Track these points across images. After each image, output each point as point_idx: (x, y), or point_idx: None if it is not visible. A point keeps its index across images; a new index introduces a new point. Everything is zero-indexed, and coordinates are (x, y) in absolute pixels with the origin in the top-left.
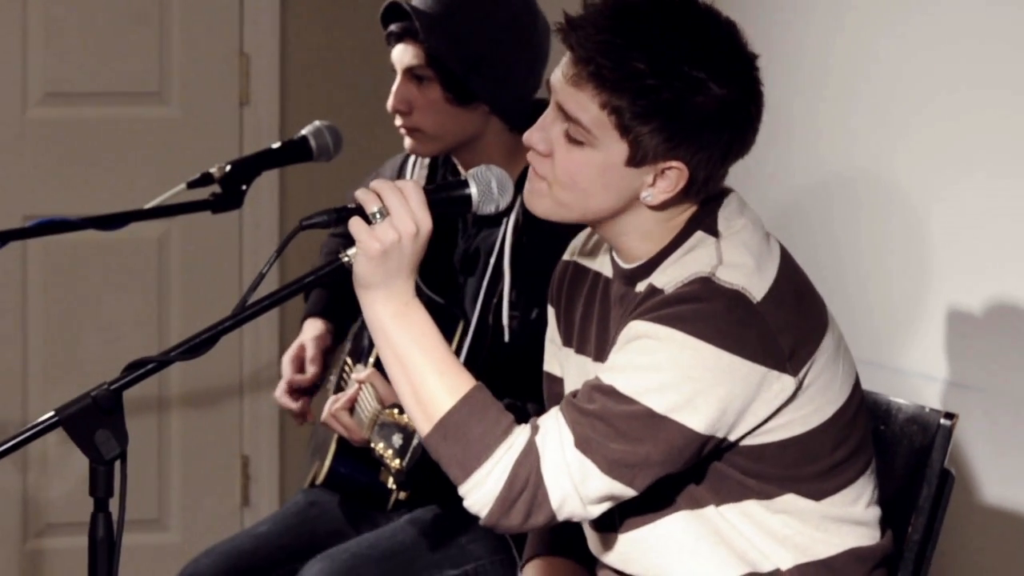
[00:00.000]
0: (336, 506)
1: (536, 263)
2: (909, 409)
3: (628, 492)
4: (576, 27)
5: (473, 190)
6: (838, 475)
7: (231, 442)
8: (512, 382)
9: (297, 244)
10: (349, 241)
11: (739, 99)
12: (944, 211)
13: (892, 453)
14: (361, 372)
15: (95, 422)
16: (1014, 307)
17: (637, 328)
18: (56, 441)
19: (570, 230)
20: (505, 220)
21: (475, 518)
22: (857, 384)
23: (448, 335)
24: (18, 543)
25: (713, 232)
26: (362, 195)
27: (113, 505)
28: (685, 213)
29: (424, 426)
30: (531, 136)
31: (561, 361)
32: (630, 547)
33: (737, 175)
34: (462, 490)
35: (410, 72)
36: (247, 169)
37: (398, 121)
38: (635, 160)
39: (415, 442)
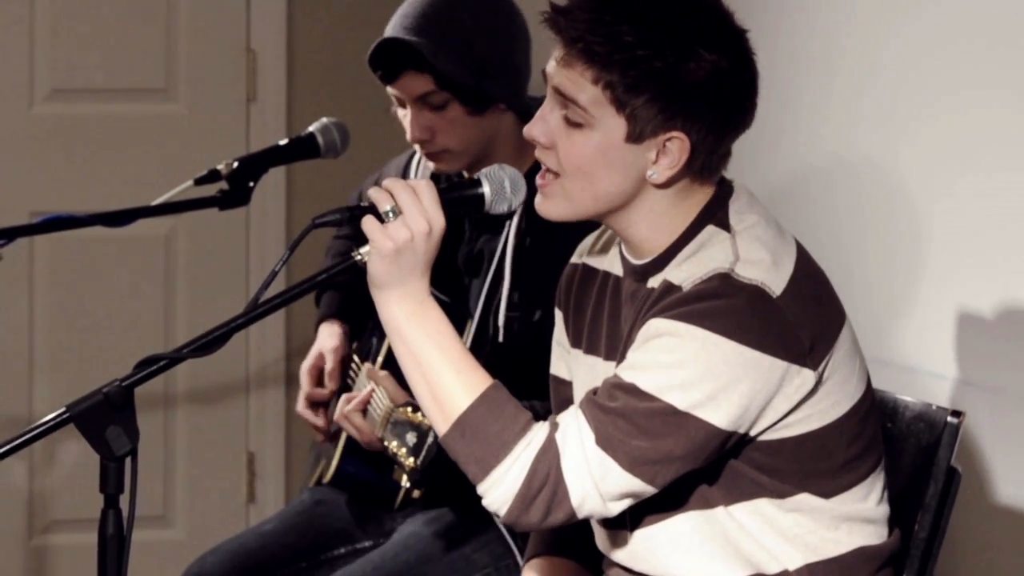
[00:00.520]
0: (342, 505)
1: (539, 265)
2: (916, 407)
3: (648, 489)
4: (563, 12)
5: (486, 189)
6: (850, 472)
7: (237, 439)
8: (512, 382)
9: (305, 242)
10: (355, 241)
11: (731, 67)
12: (953, 208)
13: (899, 451)
14: (375, 372)
15: (106, 418)
16: (1021, 305)
17: (658, 326)
18: (61, 437)
19: (573, 232)
20: (508, 223)
21: (479, 526)
22: (869, 380)
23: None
24: (24, 539)
25: (725, 226)
26: (375, 194)
27: (122, 501)
28: (694, 201)
29: (442, 425)
30: (531, 129)
31: (569, 364)
32: (639, 545)
33: (744, 170)
34: (481, 488)
35: (422, 100)
36: (254, 166)
37: (421, 149)
38: (634, 135)
39: (429, 440)
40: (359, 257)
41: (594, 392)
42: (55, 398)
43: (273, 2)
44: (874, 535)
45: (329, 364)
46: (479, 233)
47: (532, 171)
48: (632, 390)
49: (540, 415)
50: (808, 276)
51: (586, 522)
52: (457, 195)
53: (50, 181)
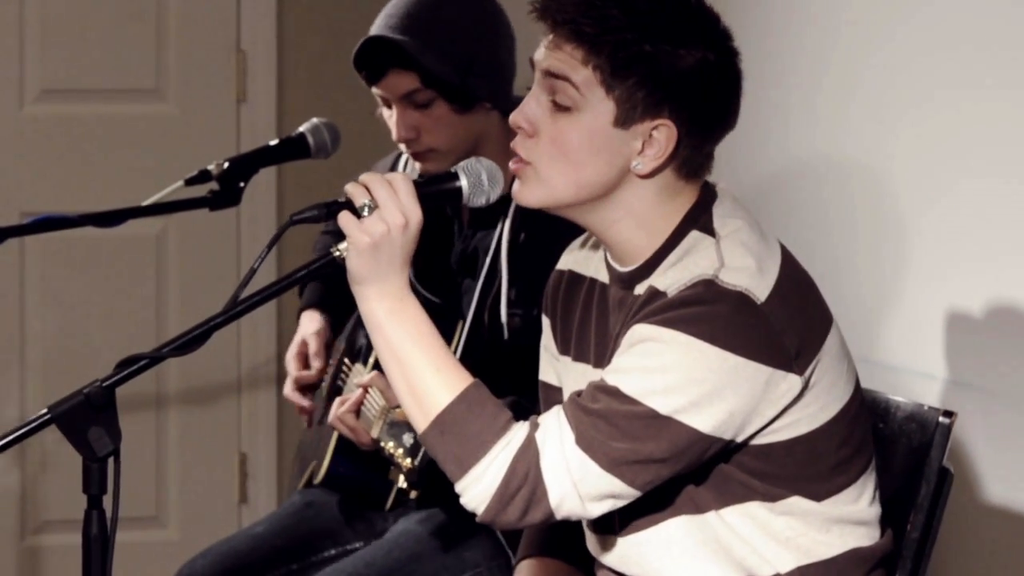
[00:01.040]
0: (333, 506)
1: (535, 261)
2: (908, 407)
3: (628, 491)
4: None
5: (463, 182)
6: (841, 474)
7: (229, 439)
8: (515, 380)
9: (293, 240)
10: (340, 237)
11: (719, 62)
12: (942, 208)
13: (891, 451)
14: (364, 376)
15: (88, 419)
16: (1013, 305)
17: (641, 331)
18: (53, 439)
19: (568, 228)
20: (502, 219)
21: (471, 525)
22: (858, 381)
23: (447, 335)
24: (15, 540)
25: (709, 231)
26: (351, 188)
27: (108, 502)
28: (678, 203)
29: (421, 422)
30: (516, 116)
31: (558, 370)
32: (629, 549)
33: (732, 171)
34: (459, 487)
35: (407, 99)
36: (245, 166)
37: (407, 148)
38: (622, 119)
39: None
40: (338, 253)
41: (578, 394)
42: (46, 398)
43: (263, 3)
44: (866, 536)
45: (313, 346)
46: (473, 231)
47: None
48: (615, 393)
49: (528, 410)
50: (793, 281)
51: (577, 523)
52: (434, 188)
53: (41, 181)
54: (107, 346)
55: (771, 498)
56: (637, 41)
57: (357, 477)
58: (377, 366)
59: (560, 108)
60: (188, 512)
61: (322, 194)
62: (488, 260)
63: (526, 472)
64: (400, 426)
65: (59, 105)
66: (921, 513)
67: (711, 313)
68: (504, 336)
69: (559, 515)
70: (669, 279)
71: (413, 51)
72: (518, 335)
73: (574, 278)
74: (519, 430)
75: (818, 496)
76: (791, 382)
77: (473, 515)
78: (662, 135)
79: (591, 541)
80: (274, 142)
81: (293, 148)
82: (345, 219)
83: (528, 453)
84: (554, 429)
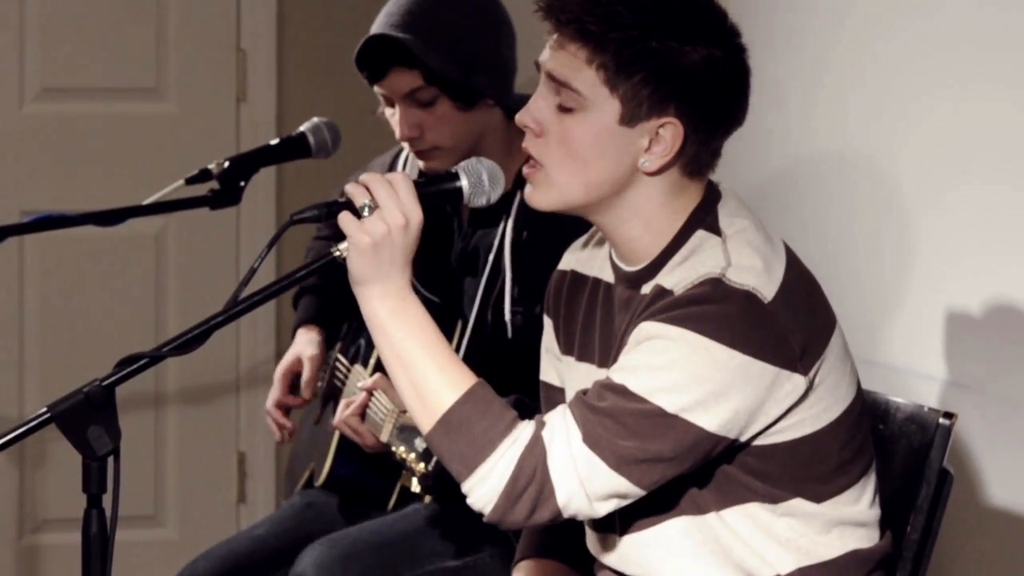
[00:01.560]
0: (333, 508)
1: (538, 259)
2: (908, 408)
3: (635, 490)
4: None
5: (464, 182)
6: (843, 475)
7: (227, 438)
8: (518, 379)
9: (292, 240)
10: (335, 241)
11: (725, 59)
12: (944, 210)
13: (891, 452)
14: (366, 379)
15: (88, 418)
16: (1013, 306)
17: (648, 329)
18: (52, 437)
19: (571, 226)
20: (504, 218)
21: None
22: (859, 383)
23: (447, 335)
24: (14, 539)
25: (715, 231)
26: (351, 189)
27: (107, 501)
28: (684, 201)
29: (426, 423)
30: (522, 116)
31: (560, 371)
32: (630, 549)
33: (733, 172)
34: (466, 487)
35: (410, 97)
36: (245, 165)
37: (411, 146)
38: (628, 117)
39: None
40: (338, 253)
41: (584, 393)
42: (45, 397)
43: (263, 2)
44: (866, 538)
45: (306, 373)
46: (473, 230)
47: (524, 167)
48: (621, 391)
49: (531, 408)
50: (799, 281)
51: (577, 524)
52: (435, 188)
53: (40, 180)
54: (106, 345)
55: (772, 499)
56: (642, 38)
57: (359, 478)
58: (378, 368)
59: (565, 110)
60: (186, 511)
61: (322, 193)
62: (491, 258)
63: (533, 470)
64: (411, 430)
65: (59, 104)
66: (921, 514)
67: (718, 312)
68: (508, 335)
69: (566, 514)
70: (676, 278)
71: (415, 49)
72: (521, 334)
73: (577, 278)
74: (525, 429)
75: (819, 497)
76: (796, 382)
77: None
78: (668, 133)
79: (592, 540)
80: (274, 141)
81: (293, 147)
82: (346, 219)
83: (535, 452)
84: (561, 427)
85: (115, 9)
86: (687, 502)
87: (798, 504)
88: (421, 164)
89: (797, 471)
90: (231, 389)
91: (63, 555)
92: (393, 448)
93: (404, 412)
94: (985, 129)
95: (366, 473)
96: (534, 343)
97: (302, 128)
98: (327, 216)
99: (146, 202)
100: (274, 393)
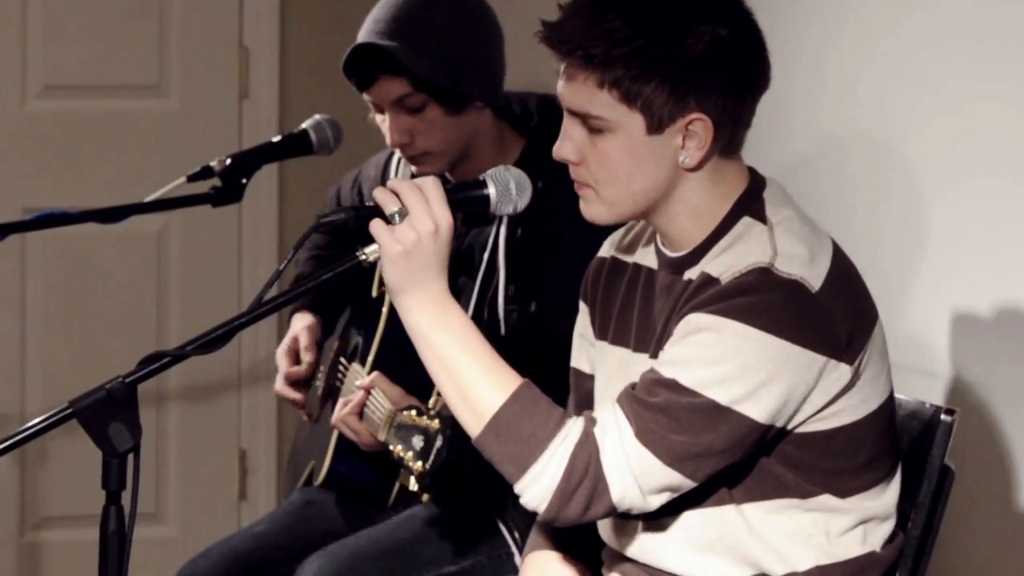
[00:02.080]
0: (333, 505)
1: (532, 256)
2: (909, 404)
3: (688, 483)
4: (555, 27)
5: (491, 190)
6: (873, 471)
7: (229, 436)
8: None
9: (290, 240)
10: (334, 235)
11: (731, 34)
12: (948, 206)
13: None
14: (364, 377)
15: (109, 415)
16: (1016, 302)
17: (698, 321)
18: (53, 435)
19: (566, 224)
20: (498, 216)
21: (476, 515)
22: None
23: None
24: (15, 536)
25: (761, 218)
26: (380, 195)
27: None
28: (728, 186)
29: (475, 427)
30: (559, 150)
31: (591, 356)
32: (649, 537)
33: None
34: (518, 487)
35: (399, 104)
36: (247, 163)
37: (402, 152)
38: (654, 126)
39: (437, 443)
40: (364, 256)
41: (632, 387)
42: (47, 394)
43: None
44: (886, 538)
45: (304, 340)
46: (467, 228)
47: (518, 164)
48: (673, 385)
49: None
50: (844, 272)
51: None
52: (463, 195)
53: (43, 177)
54: (108, 342)
55: (802, 494)
56: (645, 47)
57: (359, 476)
58: (376, 366)
59: (595, 131)
60: (187, 509)
61: (324, 191)
62: (486, 257)
63: (586, 467)
64: (408, 429)
65: (61, 101)
66: (922, 511)
67: (767, 302)
68: (501, 332)
69: (621, 508)
70: (722, 265)
71: (402, 56)
72: (516, 331)
73: (617, 265)
74: (575, 425)
75: (846, 493)
76: (842, 371)
77: (485, 507)
78: (698, 127)
79: (607, 528)
80: (276, 138)
81: (295, 144)
82: (377, 227)
83: (586, 448)
84: (612, 423)
85: (117, 6)
86: (714, 493)
87: (825, 500)
88: (413, 168)
89: (830, 462)
90: (232, 386)
91: (64, 552)
92: (391, 447)
93: (401, 411)
94: (991, 125)
95: (365, 471)
96: (531, 340)
97: (304, 125)
98: (355, 220)
99: (148, 199)
100: (280, 372)
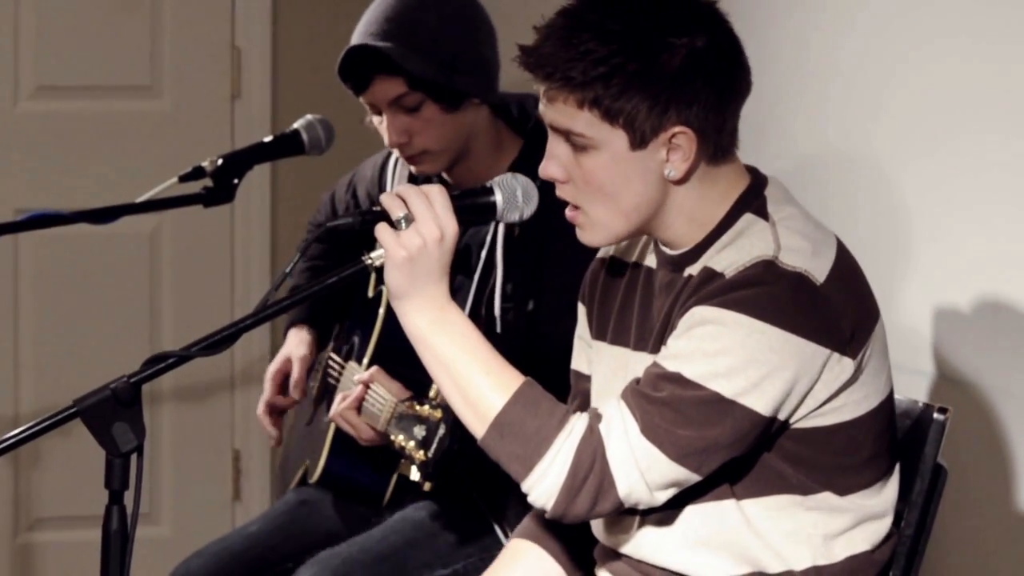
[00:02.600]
0: (328, 505)
1: (529, 255)
2: (902, 403)
3: (694, 478)
4: (532, 52)
5: (498, 197)
6: (872, 469)
7: (222, 436)
8: None
9: (290, 241)
10: (330, 244)
11: (707, 44)
12: (937, 205)
13: None
14: (363, 373)
15: (113, 414)
16: (1006, 301)
17: (702, 314)
18: (47, 435)
19: (562, 225)
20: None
21: (467, 515)
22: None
23: None
24: (8, 537)
25: (763, 215)
26: (387, 201)
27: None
28: (723, 187)
29: (479, 428)
30: (545, 169)
31: (590, 357)
32: (646, 533)
33: None
34: (525, 486)
35: (396, 104)
36: (239, 163)
37: (400, 152)
38: (637, 141)
39: (440, 432)
40: (369, 260)
41: (636, 382)
42: (40, 395)
43: None
44: (882, 538)
45: (296, 373)
46: (464, 228)
47: (515, 164)
48: (677, 379)
49: None
50: (848, 267)
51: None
52: (469, 202)
53: (35, 178)
54: (101, 342)
55: (803, 491)
56: (621, 65)
57: (354, 475)
58: (373, 363)
59: (579, 148)
60: (181, 509)
61: (316, 191)
62: (483, 255)
63: (591, 463)
64: (410, 419)
65: (53, 101)
66: (915, 510)
67: (771, 294)
68: (498, 330)
69: (628, 504)
70: (726, 260)
71: (397, 56)
72: (512, 329)
73: (616, 264)
74: (579, 422)
75: (845, 491)
76: (845, 365)
77: (476, 506)
78: (682, 139)
79: (600, 526)
80: (268, 138)
81: (287, 145)
82: (383, 232)
83: (591, 443)
84: (617, 419)
85: (109, 6)
86: (715, 489)
87: (826, 498)
88: (412, 168)
89: (831, 459)
90: (226, 387)
91: (58, 553)
92: (392, 437)
93: (402, 402)
94: (980, 126)
95: (360, 470)
96: (527, 339)
97: (296, 125)
98: (361, 226)
99: (140, 200)
100: (264, 396)
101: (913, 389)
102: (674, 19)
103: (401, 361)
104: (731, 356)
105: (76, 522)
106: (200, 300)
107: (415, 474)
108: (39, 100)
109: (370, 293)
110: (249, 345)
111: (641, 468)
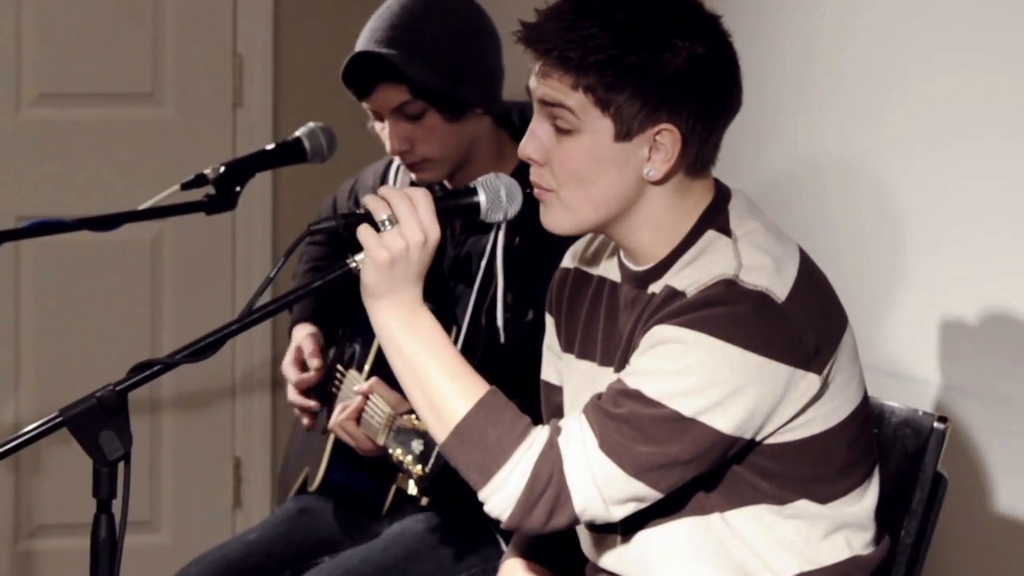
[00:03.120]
0: (327, 513)
1: (530, 264)
2: (902, 412)
3: (653, 494)
4: (534, 27)
5: (482, 198)
6: (848, 477)
7: (223, 444)
8: (511, 384)
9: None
10: (333, 247)
11: (708, 53)
12: (938, 213)
13: (885, 456)
14: (362, 384)
15: (100, 423)
16: (1007, 310)
17: (663, 332)
18: (47, 442)
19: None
20: (496, 224)
21: (469, 526)
22: (865, 385)
23: None
24: (10, 544)
25: (726, 232)
26: (371, 202)
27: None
28: (692, 201)
29: (440, 433)
30: (524, 148)
31: (560, 369)
32: (630, 550)
33: (725, 175)
34: (482, 495)
35: (399, 112)
36: (241, 170)
37: (402, 160)
38: (622, 133)
39: (438, 446)
40: (354, 264)
41: (598, 397)
42: (41, 403)
43: (260, 7)
44: (867, 543)
45: (308, 348)
46: (465, 236)
47: (515, 174)
48: (637, 396)
49: (531, 412)
50: (811, 280)
51: (569, 530)
52: (452, 203)
53: (37, 186)
54: (103, 350)
55: (780, 501)
56: (621, 56)
57: (354, 483)
58: (373, 373)
59: (562, 131)
60: (182, 517)
61: (318, 199)
62: (483, 264)
63: (549, 476)
64: (408, 432)
65: (55, 109)
66: (915, 519)
67: (733, 313)
68: (500, 340)
69: (584, 519)
70: (687, 279)
71: (400, 64)
72: (514, 339)
73: (580, 276)
74: (539, 435)
75: (825, 499)
76: (811, 381)
77: (478, 518)
78: (667, 139)
79: (587, 542)
80: (270, 146)
81: (289, 152)
82: (365, 233)
83: (550, 457)
84: (576, 433)
85: (111, 14)
86: (692, 503)
87: (804, 506)
88: (413, 176)
89: (805, 471)
90: (227, 394)
91: (58, 560)
92: (390, 451)
93: (401, 415)
94: (980, 133)
95: (360, 478)
96: (526, 348)
97: (298, 133)
98: (345, 228)
99: (142, 207)
100: (290, 382)
101: (913, 398)
102: (679, 21)
103: None
104: (692, 376)
105: (77, 529)
106: (202, 307)
107: (413, 488)
108: (41, 107)
109: None
110: (250, 352)
111: (598, 483)
